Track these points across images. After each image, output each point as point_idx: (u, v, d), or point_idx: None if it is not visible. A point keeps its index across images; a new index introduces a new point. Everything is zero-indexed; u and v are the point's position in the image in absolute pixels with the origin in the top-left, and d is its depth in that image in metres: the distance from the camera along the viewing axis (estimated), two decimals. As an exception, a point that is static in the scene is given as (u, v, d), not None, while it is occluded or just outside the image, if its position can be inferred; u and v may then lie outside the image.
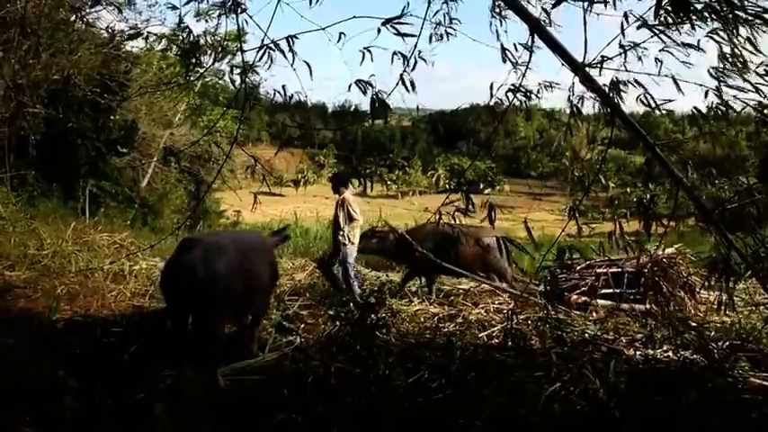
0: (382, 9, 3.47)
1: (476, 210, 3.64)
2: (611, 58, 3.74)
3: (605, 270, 8.07)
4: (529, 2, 3.78)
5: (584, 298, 7.81)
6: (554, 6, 3.52)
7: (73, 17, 14.49)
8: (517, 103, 3.93)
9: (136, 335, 5.82)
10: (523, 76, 3.76)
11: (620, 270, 8.06)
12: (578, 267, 8.44)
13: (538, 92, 4.04)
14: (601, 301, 7.72)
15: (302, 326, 6.27)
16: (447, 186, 74.00)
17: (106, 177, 16.29)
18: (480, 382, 4.78)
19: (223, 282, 4.59)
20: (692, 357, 5.43)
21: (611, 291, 7.92)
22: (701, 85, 3.38)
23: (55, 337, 5.56)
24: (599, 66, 3.73)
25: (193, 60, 3.43)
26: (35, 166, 14.68)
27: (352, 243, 7.52)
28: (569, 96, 4.04)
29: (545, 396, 4.43)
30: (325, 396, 4.38)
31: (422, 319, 6.71)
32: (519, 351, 5.51)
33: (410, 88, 3.27)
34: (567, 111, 4.06)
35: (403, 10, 3.66)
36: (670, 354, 5.56)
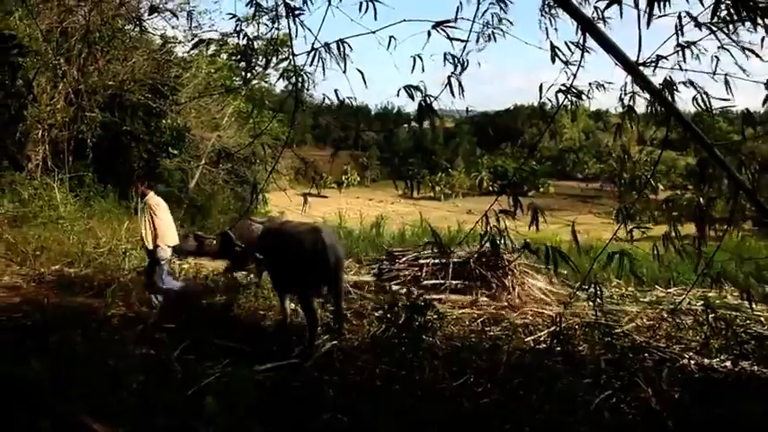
0: (431, 12, 3.47)
1: (523, 212, 3.58)
2: (666, 58, 3.63)
3: (429, 261, 8.27)
4: (581, 1, 3.70)
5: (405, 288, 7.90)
6: (607, 6, 3.42)
7: (128, 25, 15.10)
8: (568, 104, 3.84)
9: (185, 331, 6.00)
10: (574, 76, 3.68)
11: (445, 262, 8.24)
12: (403, 258, 8.68)
13: (588, 92, 3.96)
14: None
15: (347, 326, 6.32)
16: (490, 188, 73.29)
17: (157, 179, 16.80)
18: (527, 388, 4.70)
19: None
20: (752, 368, 5.20)
21: (435, 281, 8.05)
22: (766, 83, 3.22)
23: (110, 332, 5.76)
24: (654, 65, 3.62)
25: (249, 64, 3.51)
26: (92, 168, 15.31)
27: (161, 246, 7.12)
28: (621, 96, 3.96)
29: (595, 404, 4.33)
30: (371, 397, 4.40)
31: (467, 322, 6.65)
32: (567, 357, 5.39)
33: (458, 91, 3.25)
34: (615, 111, 3.97)
35: (456, 13, 3.65)
36: (728, 364, 5.34)
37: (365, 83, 3.28)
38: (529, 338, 6.30)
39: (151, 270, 7.31)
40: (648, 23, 3.33)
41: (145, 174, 7.74)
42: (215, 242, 7.77)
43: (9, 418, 3.17)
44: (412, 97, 3.26)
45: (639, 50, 3.54)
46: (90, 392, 4.05)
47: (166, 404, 4.04)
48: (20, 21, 11.46)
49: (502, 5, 4.10)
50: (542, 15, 4.36)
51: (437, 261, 8.31)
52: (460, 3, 3.82)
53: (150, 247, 7.11)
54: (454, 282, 8.08)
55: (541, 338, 6.30)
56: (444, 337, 5.97)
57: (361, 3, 3.19)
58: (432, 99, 3.20)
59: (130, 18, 13.95)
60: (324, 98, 2.98)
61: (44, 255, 9.36)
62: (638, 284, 9.02)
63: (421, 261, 8.56)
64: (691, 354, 5.77)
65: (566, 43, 3.73)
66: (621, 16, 3.46)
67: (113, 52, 14.56)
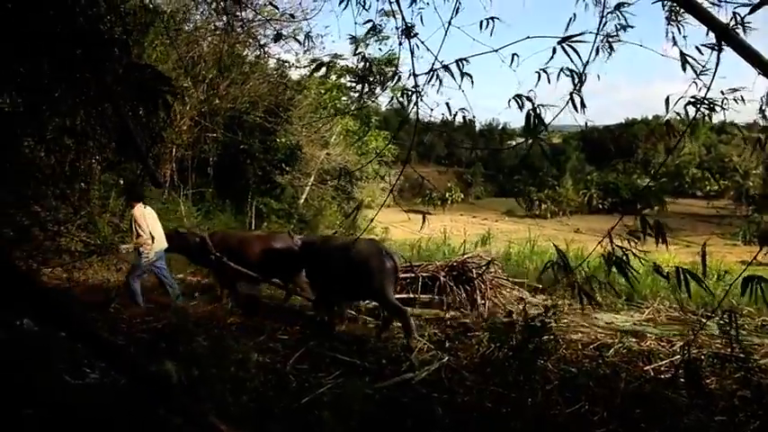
0: (550, 28, 3.40)
1: (650, 233, 3.36)
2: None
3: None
4: (716, 5, 3.45)
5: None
6: (751, 11, 3.16)
7: (245, 51, 16.23)
8: (699, 117, 3.59)
9: (298, 343, 6.24)
10: (708, 88, 3.42)
11: (414, 276, 8.16)
12: None
13: (723, 102, 3.67)
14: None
15: (456, 344, 6.27)
16: (600, 206, 69.89)
17: (270, 194, 17.71)
18: (649, 421, 4.39)
19: None
20: None
21: (405, 296, 7.85)
22: None
23: (231, 339, 6.11)
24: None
25: (367, 85, 3.64)
26: (212, 185, 16.50)
27: (144, 253, 7.60)
28: (762, 107, 3.66)
29: (730, 444, 3.95)
30: (480, 418, 4.31)
31: (580, 346, 6.35)
32: (694, 390, 4.96)
33: (579, 107, 3.14)
34: (742, 124, 3.67)
35: (568, 25, 3.54)
36: None
37: (472, 81, 3.24)
38: (648, 367, 5.89)
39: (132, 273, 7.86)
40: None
41: (133, 189, 8.35)
42: (197, 241, 8.14)
43: (149, 412, 3.45)
44: (521, 108, 3.18)
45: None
46: (214, 395, 4.32)
47: (283, 411, 4.22)
48: (156, 51, 12.68)
49: (623, 16, 3.94)
50: (669, 23, 4.14)
51: (406, 275, 8.23)
52: (574, 14, 3.72)
53: (131, 250, 7.82)
54: (423, 296, 8.06)
55: (662, 368, 5.88)
56: (556, 360, 5.73)
57: (481, 22, 3.20)
58: (543, 109, 3.10)
59: (254, 44, 15.01)
60: (443, 116, 3.01)
61: (172, 264, 10.16)
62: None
63: None
64: None
65: (697, 48, 3.48)
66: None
67: (233, 76, 15.67)
